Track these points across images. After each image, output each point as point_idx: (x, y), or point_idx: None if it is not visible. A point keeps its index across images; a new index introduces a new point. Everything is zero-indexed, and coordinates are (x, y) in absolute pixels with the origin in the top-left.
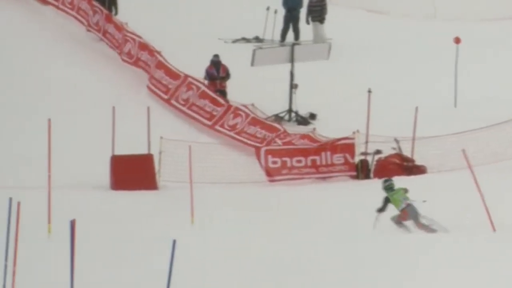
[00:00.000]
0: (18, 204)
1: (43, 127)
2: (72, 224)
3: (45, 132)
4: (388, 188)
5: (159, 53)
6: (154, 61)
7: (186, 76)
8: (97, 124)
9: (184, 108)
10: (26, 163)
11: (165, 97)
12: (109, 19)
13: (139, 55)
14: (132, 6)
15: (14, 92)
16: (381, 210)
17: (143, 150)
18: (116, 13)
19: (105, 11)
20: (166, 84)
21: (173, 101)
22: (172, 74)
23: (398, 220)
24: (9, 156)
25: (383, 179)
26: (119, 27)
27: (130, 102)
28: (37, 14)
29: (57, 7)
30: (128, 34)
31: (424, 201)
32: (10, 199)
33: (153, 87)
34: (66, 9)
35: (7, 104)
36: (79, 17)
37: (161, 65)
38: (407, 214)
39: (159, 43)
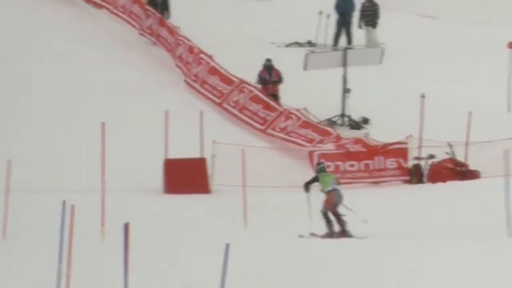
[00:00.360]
0: (72, 207)
1: (97, 131)
2: (126, 227)
3: (99, 135)
4: (320, 170)
5: (210, 57)
6: (206, 66)
7: (241, 81)
8: (150, 127)
9: (235, 111)
10: (80, 166)
11: (218, 101)
12: (162, 23)
13: (188, 58)
14: (184, 10)
15: (68, 95)
16: (307, 184)
17: (196, 154)
18: (168, 17)
19: (158, 15)
20: (221, 89)
21: (225, 105)
22: (226, 79)
23: (324, 209)
24: (63, 159)
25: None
26: (172, 31)
27: (183, 106)
28: (90, 18)
29: (110, 11)
30: (180, 38)
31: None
32: (64, 202)
33: (205, 92)
34: (119, 13)
35: (62, 108)
36: (131, 21)
37: (214, 71)
38: (333, 197)
39: (212, 47)
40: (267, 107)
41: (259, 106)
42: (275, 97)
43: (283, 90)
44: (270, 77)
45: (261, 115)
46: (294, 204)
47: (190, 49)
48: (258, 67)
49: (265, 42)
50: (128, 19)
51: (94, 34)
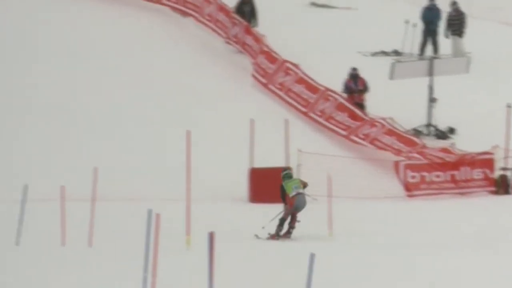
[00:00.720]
0: (158, 216)
1: (183, 139)
2: (211, 236)
3: (184, 143)
4: (285, 176)
5: (296, 66)
6: (293, 75)
7: (326, 89)
8: (235, 136)
9: (321, 120)
10: (166, 175)
11: (303, 110)
12: (248, 31)
13: (268, 66)
14: (271, 19)
15: (154, 103)
16: (282, 198)
17: (281, 163)
18: (255, 25)
19: (244, 23)
20: (306, 98)
21: (311, 114)
22: (311, 87)
23: (284, 215)
24: (149, 168)
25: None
26: (258, 39)
27: (268, 114)
28: (177, 26)
29: (197, 19)
30: (265, 48)
31: (315, 199)
32: (150, 211)
33: (290, 100)
34: (205, 21)
35: (148, 115)
36: (217, 29)
37: (300, 80)
38: (294, 201)
39: (297, 56)
40: (353, 115)
41: (344, 115)
42: (361, 106)
43: (369, 99)
44: (356, 86)
45: (346, 123)
46: (379, 214)
47: (273, 58)
48: (344, 76)
49: (351, 51)
50: (214, 27)
51: (180, 41)
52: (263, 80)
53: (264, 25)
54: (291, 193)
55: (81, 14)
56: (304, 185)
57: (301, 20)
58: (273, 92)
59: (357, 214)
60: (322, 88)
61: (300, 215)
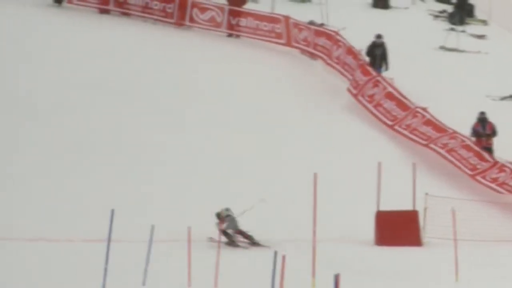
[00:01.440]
0: (283, 257)
1: (309, 180)
2: (336, 278)
3: (311, 185)
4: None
5: (425, 109)
6: (421, 118)
7: (454, 132)
8: (361, 178)
9: (447, 155)
10: (292, 216)
11: (424, 142)
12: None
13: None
14: (400, 62)
15: (279, 144)
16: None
17: (408, 206)
18: (387, 69)
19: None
20: (430, 135)
21: (432, 145)
22: (439, 129)
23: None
24: (274, 209)
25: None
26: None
27: (395, 157)
28: (304, 67)
29: (325, 62)
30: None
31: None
32: (276, 252)
33: (416, 138)
34: (333, 63)
35: (273, 156)
36: (344, 71)
37: (428, 122)
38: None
39: (426, 99)
40: (479, 156)
41: (470, 154)
42: (489, 150)
43: (497, 143)
44: (484, 130)
45: (472, 162)
46: (506, 259)
47: (401, 103)
48: (472, 119)
49: (479, 94)
50: (341, 69)
51: (307, 82)
52: (389, 123)
53: (393, 68)
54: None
55: (215, 54)
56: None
57: (430, 63)
58: (399, 132)
59: (484, 258)
60: (450, 131)
61: (418, 256)
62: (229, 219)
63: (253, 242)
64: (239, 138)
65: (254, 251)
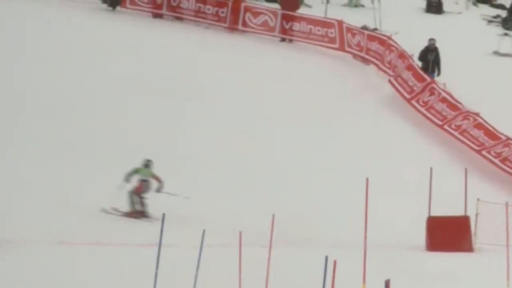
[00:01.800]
0: (334, 262)
1: (361, 185)
2: (387, 284)
3: (362, 190)
4: (144, 165)
5: (477, 114)
6: (472, 121)
7: (507, 138)
8: (413, 183)
9: (501, 164)
10: (343, 221)
11: (477, 148)
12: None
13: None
14: (453, 67)
15: (331, 149)
16: (128, 174)
17: (459, 212)
18: (439, 74)
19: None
20: (483, 141)
21: (484, 153)
22: (492, 135)
23: (132, 192)
24: (326, 213)
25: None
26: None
27: (447, 162)
28: (357, 72)
29: (378, 67)
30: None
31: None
32: (326, 258)
33: (467, 141)
34: (386, 69)
35: (325, 162)
36: (398, 86)
37: (480, 126)
38: (142, 187)
39: (477, 104)
40: None
41: None
42: None
43: None
44: None
45: None
46: None
47: (454, 106)
48: None
49: None
50: (392, 74)
51: (360, 88)
52: (439, 122)
53: (446, 73)
54: (142, 178)
55: (264, 59)
56: (157, 179)
57: (483, 69)
58: (449, 133)
59: None
60: (503, 137)
61: (469, 262)
62: (146, 185)
63: (143, 211)
64: (290, 142)
65: (303, 253)
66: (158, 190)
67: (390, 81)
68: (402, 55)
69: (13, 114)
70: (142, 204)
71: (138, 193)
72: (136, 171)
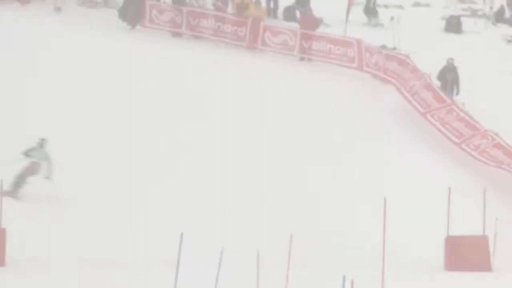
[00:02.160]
0: (352, 282)
1: (379, 205)
2: None
3: (381, 209)
4: (39, 144)
5: (496, 134)
6: (491, 140)
7: None
8: (431, 203)
9: None
10: (361, 240)
11: (494, 164)
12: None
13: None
14: (471, 87)
15: (349, 170)
16: (25, 153)
17: (478, 231)
18: (457, 93)
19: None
20: (501, 160)
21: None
22: (510, 153)
23: (22, 174)
24: (343, 233)
25: None
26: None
27: (465, 182)
28: (375, 93)
29: (396, 87)
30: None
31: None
32: (344, 277)
33: (484, 159)
34: (405, 92)
35: (343, 181)
36: (413, 100)
37: (499, 145)
38: (32, 168)
39: (495, 124)
40: None
41: None
42: None
43: None
44: None
45: None
46: None
47: (470, 125)
48: None
49: None
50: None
51: (377, 108)
52: (457, 140)
53: (464, 93)
54: (33, 158)
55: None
56: (47, 158)
57: (502, 88)
58: (466, 152)
59: None
60: None
61: (487, 282)
62: (35, 166)
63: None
64: (308, 161)
65: (321, 273)
66: (48, 177)
67: (402, 94)
68: (420, 75)
69: None
70: (18, 184)
71: (28, 174)
72: (30, 150)
